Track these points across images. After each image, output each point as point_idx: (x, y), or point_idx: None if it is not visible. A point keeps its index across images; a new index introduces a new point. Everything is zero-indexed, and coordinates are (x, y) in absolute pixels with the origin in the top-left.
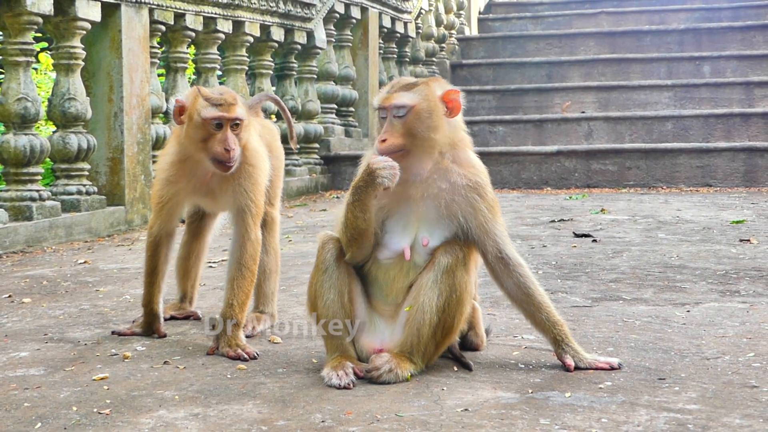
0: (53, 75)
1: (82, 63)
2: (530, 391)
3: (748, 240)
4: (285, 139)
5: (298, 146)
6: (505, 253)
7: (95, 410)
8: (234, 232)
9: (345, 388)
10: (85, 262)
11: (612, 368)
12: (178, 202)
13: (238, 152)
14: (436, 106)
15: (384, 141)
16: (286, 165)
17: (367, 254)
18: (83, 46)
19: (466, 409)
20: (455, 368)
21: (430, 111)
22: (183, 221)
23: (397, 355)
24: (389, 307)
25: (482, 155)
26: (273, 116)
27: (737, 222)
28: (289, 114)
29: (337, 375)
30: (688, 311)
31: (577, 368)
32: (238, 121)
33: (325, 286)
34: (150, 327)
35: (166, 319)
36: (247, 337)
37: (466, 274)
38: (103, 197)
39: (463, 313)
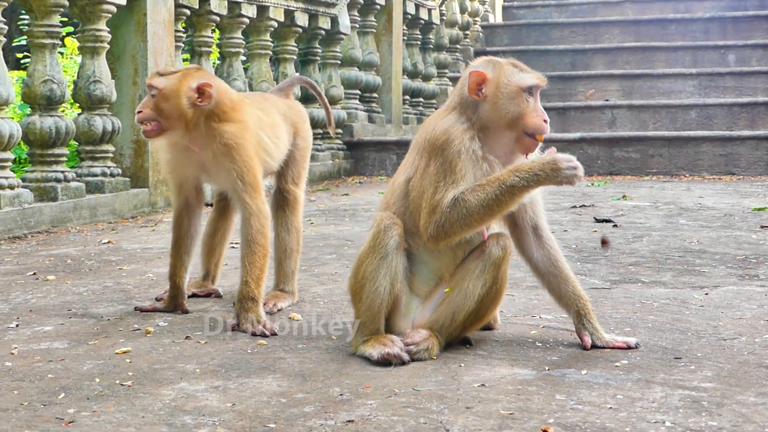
0: (79, 59)
1: (108, 46)
2: (547, 368)
3: None
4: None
5: (336, 130)
6: (540, 223)
7: (117, 382)
8: (238, 210)
9: (396, 358)
10: (108, 242)
11: (629, 347)
12: (179, 178)
13: (145, 113)
14: None
15: (546, 120)
16: None
17: None
18: (108, 29)
19: (482, 385)
20: (469, 346)
21: None
22: (208, 204)
23: (433, 333)
24: (428, 287)
25: None
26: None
27: (759, 209)
28: (325, 99)
29: (383, 346)
30: (706, 294)
31: (594, 346)
32: (153, 91)
33: (380, 272)
34: (174, 302)
35: (188, 296)
36: (267, 314)
37: (507, 269)
38: (127, 179)
39: (497, 305)
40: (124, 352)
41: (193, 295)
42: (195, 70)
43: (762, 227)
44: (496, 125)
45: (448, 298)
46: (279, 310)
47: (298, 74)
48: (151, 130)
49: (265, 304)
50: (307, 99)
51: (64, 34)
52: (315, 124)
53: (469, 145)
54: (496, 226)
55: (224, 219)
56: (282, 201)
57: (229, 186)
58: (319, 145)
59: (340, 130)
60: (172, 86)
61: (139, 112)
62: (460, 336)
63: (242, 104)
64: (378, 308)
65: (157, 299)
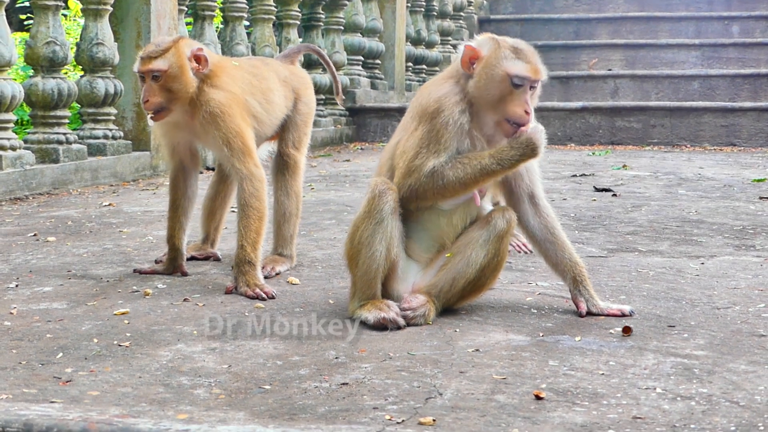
0: (82, 21)
1: (111, 8)
2: (541, 334)
3: None
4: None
5: (343, 98)
6: (537, 192)
7: (115, 342)
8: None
9: (392, 323)
10: (109, 205)
11: (624, 315)
12: (171, 142)
13: (155, 102)
14: None
15: (528, 113)
16: None
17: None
18: None
19: (477, 350)
20: (466, 312)
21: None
22: (209, 168)
23: (429, 299)
24: (430, 253)
25: None
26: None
27: (759, 180)
28: (333, 68)
29: (380, 310)
30: (702, 263)
31: (589, 313)
32: (156, 73)
33: (376, 237)
34: (173, 263)
35: (187, 259)
36: (265, 278)
37: (509, 243)
38: (129, 142)
39: (496, 277)
40: (123, 314)
41: (192, 258)
42: (180, 40)
43: (761, 198)
44: (480, 103)
45: (449, 263)
46: (277, 274)
47: (303, 41)
48: (160, 114)
49: (263, 267)
50: (309, 65)
51: None
52: (318, 89)
53: (458, 118)
54: (490, 192)
55: (225, 183)
56: (282, 165)
57: (218, 152)
58: (322, 111)
59: (343, 96)
60: (177, 63)
61: (146, 101)
62: (457, 304)
63: (228, 68)
64: (374, 273)
65: (157, 261)
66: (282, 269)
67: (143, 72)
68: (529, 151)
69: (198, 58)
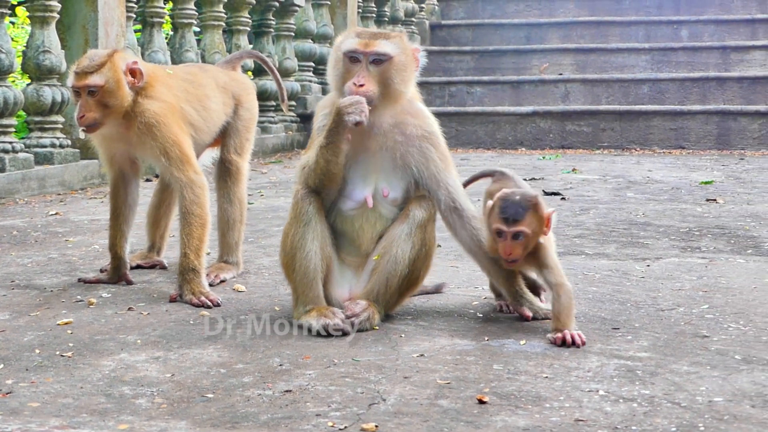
0: (29, 29)
1: (57, 16)
2: (486, 338)
3: (715, 200)
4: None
5: (290, 103)
6: (459, 203)
7: (58, 353)
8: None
9: (336, 329)
10: (56, 214)
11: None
12: (108, 152)
13: (90, 118)
14: (411, 59)
15: (362, 86)
16: (262, 122)
17: (330, 202)
18: None
19: (422, 355)
20: (412, 318)
21: (406, 64)
22: (157, 176)
23: (371, 303)
24: (357, 258)
25: (459, 115)
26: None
27: (706, 183)
28: (277, 74)
29: (324, 317)
30: (648, 266)
31: (534, 319)
32: (92, 89)
33: (307, 237)
34: (117, 273)
35: (132, 268)
36: (210, 285)
37: (434, 230)
38: (77, 150)
39: (429, 266)
40: (66, 323)
41: (138, 267)
42: (115, 53)
43: (707, 200)
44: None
45: (379, 266)
46: (222, 281)
47: (253, 48)
48: (93, 128)
49: (207, 275)
50: (261, 71)
51: (15, 2)
52: (267, 96)
53: (322, 120)
54: (395, 192)
55: (169, 190)
56: (224, 172)
57: (156, 162)
58: (272, 117)
59: (293, 103)
60: (113, 78)
61: (81, 116)
62: (399, 303)
63: (162, 77)
64: (313, 273)
65: (102, 270)
66: (227, 276)
67: (78, 87)
68: (339, 118)
69: (133, 72)
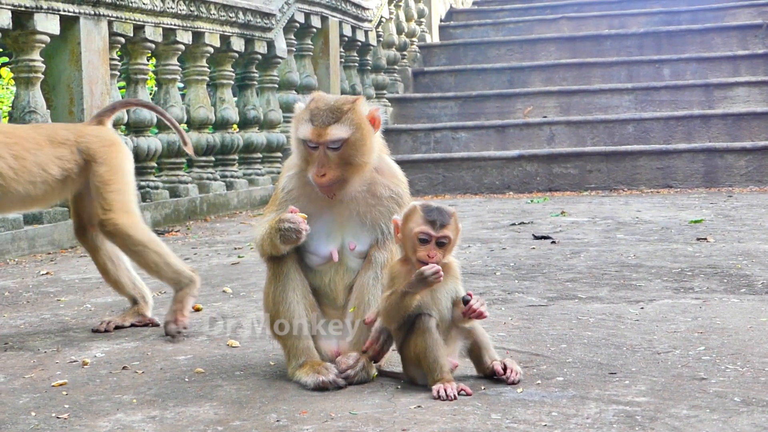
0: (15, 90)
1: (42, 76)
2: (483, 387)
3: (705, 239)
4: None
5: (276, 155)
6: (372, 254)
7: (54, 415)
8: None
9: (331, 384)
10: (47, 273)
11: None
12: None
13: None
14: (368, 130)
15: (324, 176)
16: (249, 174)
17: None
18: (43, 59)
19: (419, 406)
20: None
21: (364, 138)
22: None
23: (362, 355)
24: (336, 310)
25: (445, 161)
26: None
27: (696, 221)
28: (171, 118)
29: (318, 374)
30: (642, 308)
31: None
32: None
33: (288, 289)
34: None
35: (126, 327)
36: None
37: None
38: (66, 209)
39: None
40: (61, 384)
41: (132, 326)
42: None
43: (698, 239)
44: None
45: (357, 317)
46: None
47: (237, 101)
48: None
49: (178, 310)
50: (246, 124)
51: None
52: (253, 148)
53: (286, 183)
54: (361, 245)
55: (98, 252)
56: (106, 233)
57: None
58: (259, 169)
59: (279, 154)
60: None
61: None
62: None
63: None
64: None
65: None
66: (194, 297)
67: None
68: (276, 233)
69: None
